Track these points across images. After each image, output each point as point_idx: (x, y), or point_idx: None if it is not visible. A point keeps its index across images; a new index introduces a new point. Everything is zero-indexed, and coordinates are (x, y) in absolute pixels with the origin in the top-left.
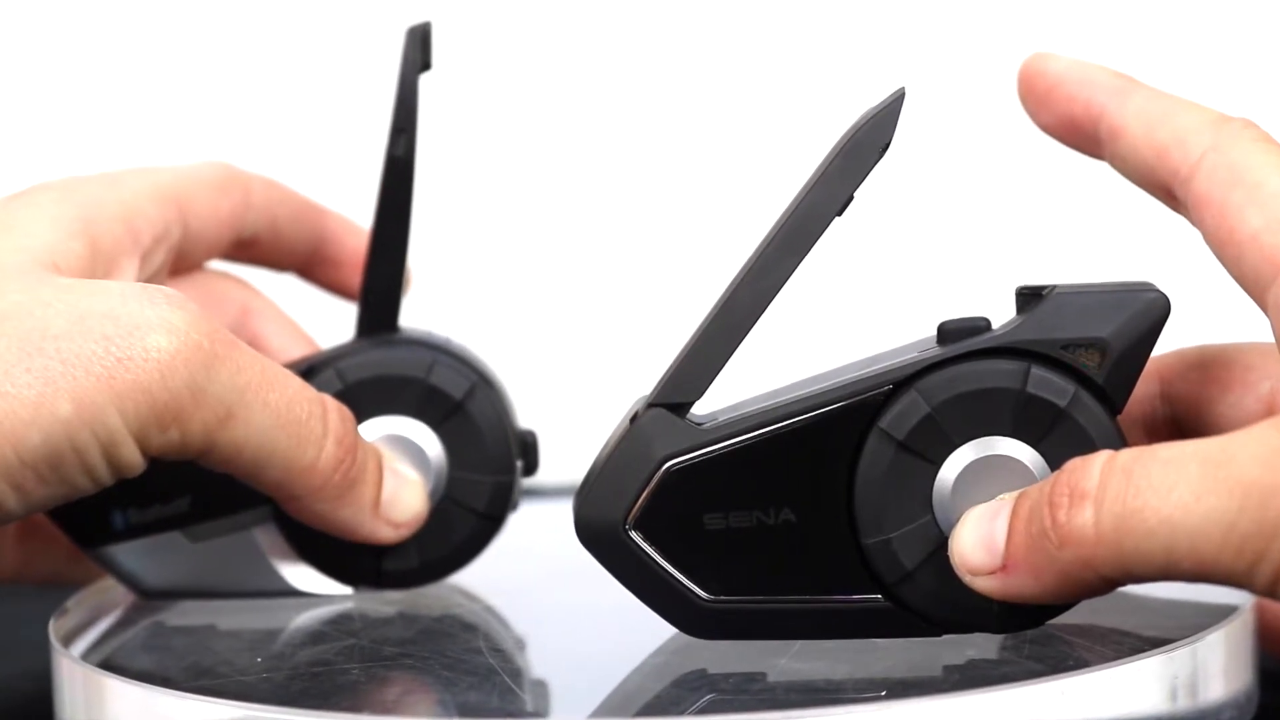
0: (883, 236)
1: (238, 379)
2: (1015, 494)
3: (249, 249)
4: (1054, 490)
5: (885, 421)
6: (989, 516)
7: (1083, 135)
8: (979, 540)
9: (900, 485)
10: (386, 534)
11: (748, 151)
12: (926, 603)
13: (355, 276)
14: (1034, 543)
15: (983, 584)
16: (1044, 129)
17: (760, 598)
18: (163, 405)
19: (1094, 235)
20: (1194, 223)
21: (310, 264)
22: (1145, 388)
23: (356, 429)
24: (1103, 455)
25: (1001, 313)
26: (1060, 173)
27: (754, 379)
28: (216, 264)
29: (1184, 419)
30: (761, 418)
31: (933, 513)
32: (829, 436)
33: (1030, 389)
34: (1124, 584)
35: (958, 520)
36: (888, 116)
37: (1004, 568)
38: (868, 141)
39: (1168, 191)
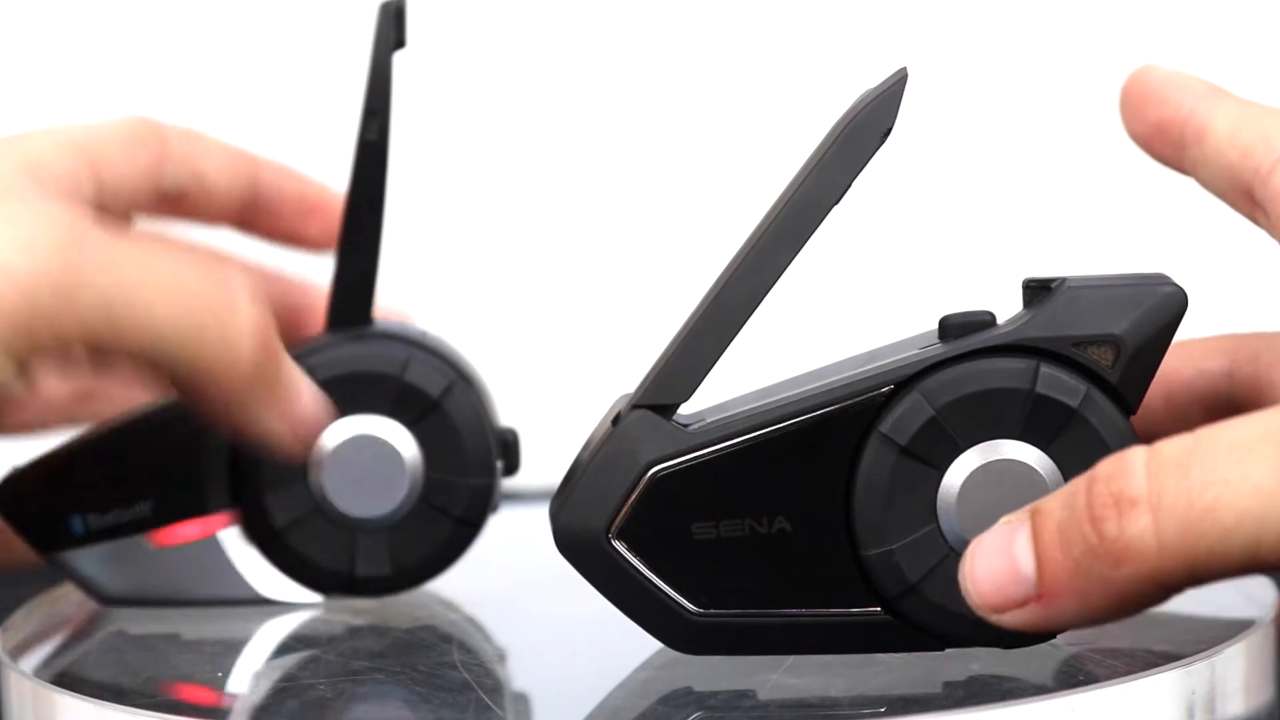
0: (879, 223)
1: (113, 276)
2: (1025, 512)
3: (177, 204)
4: (1093, 501)
5: (886, 425)
6: (1004, 543)
7: (1169, 141)
8: (999, 572)
9: (903, 493)
10: (295, 447)
11: (740, 136)
12: (930, 616)
13: (298, 224)
14: (1078, 565)
15: (1011, 619)
16: (1135, 138)
17: (753, 611)
18: (27, 321)
19: (1104, 223)
20: (1270, 223)
21: (247, 217)
22: (1215, 363)
23: (272, 320)
24: (1139, 452)
25: (1005, 305)
26: (1068, 155)
27: (742, 375)
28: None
29: (1247, 405)
30: (754, 420)
31: (937, 522)
32: (826, 440)
33: (1040, 389)
34: (1187, 589)
35: (964, 531)
36: (889, 99)
37: (1040, 597)
38: (868, 126)
39: (1248, 194)
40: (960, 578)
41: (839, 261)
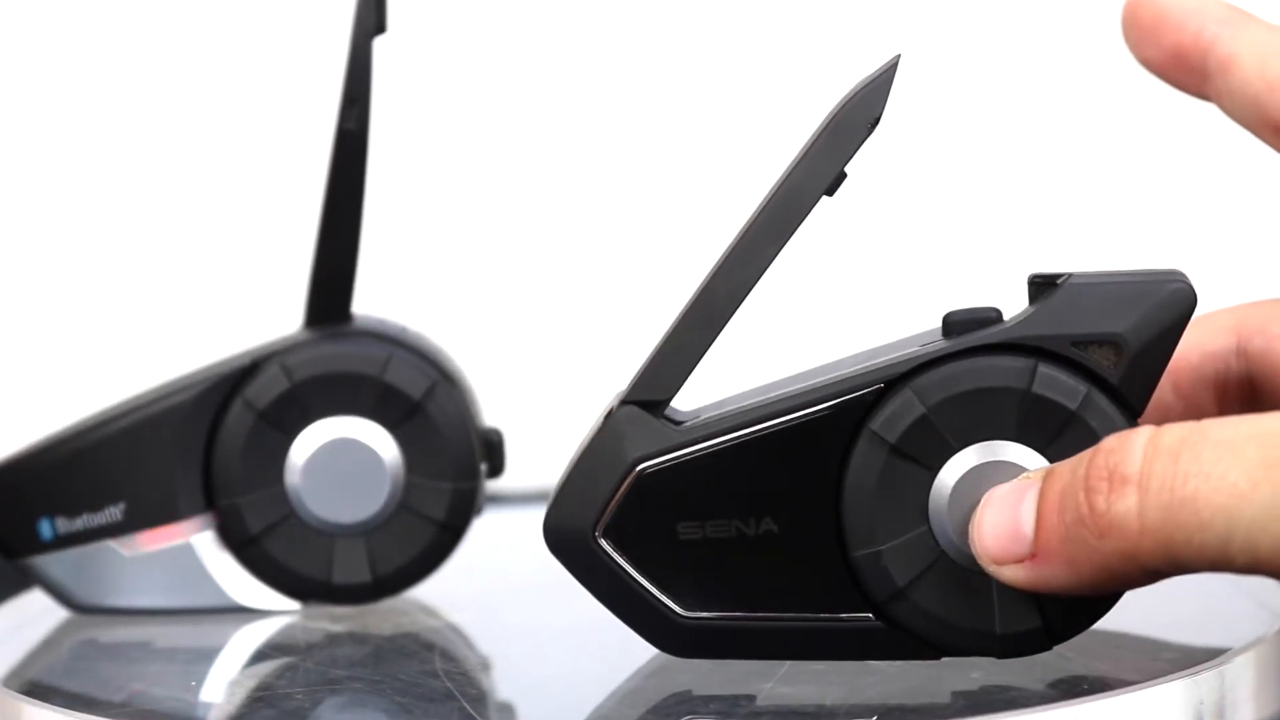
0: (886, 218)
1: None
2: (1041, 471)
3: None
4: (1090, 473)
5: (876, 423)
6: (1014, 499)
7: (1189, 69)
8: (1003, 526)
9: (893, 493)
10: None
11: (732, 128)
12: (922, 623)
13: None
14: (1069, 531)
15: (1009, 574)
16: (1146, 63)
17: (740, 614)
18: None
19: (1121, 216)
20: None
21: None
22: (1220, 342)
23: None
24: (1144, 433)
25: (1018, 303)
26: (1084, 145)
27: (746, 375)
28: None
29: (1261, 379)
30: (742, 418)
31: (929, 523)
32: (815, 439)
33: (1036, 389)
34: (1170, 576)
35: (956, 535)
36: (879, 87)
37: (1034, 556)
38: (856, 115)
39: (1276, 127)
40: (970, 524)
41: (845, 256)
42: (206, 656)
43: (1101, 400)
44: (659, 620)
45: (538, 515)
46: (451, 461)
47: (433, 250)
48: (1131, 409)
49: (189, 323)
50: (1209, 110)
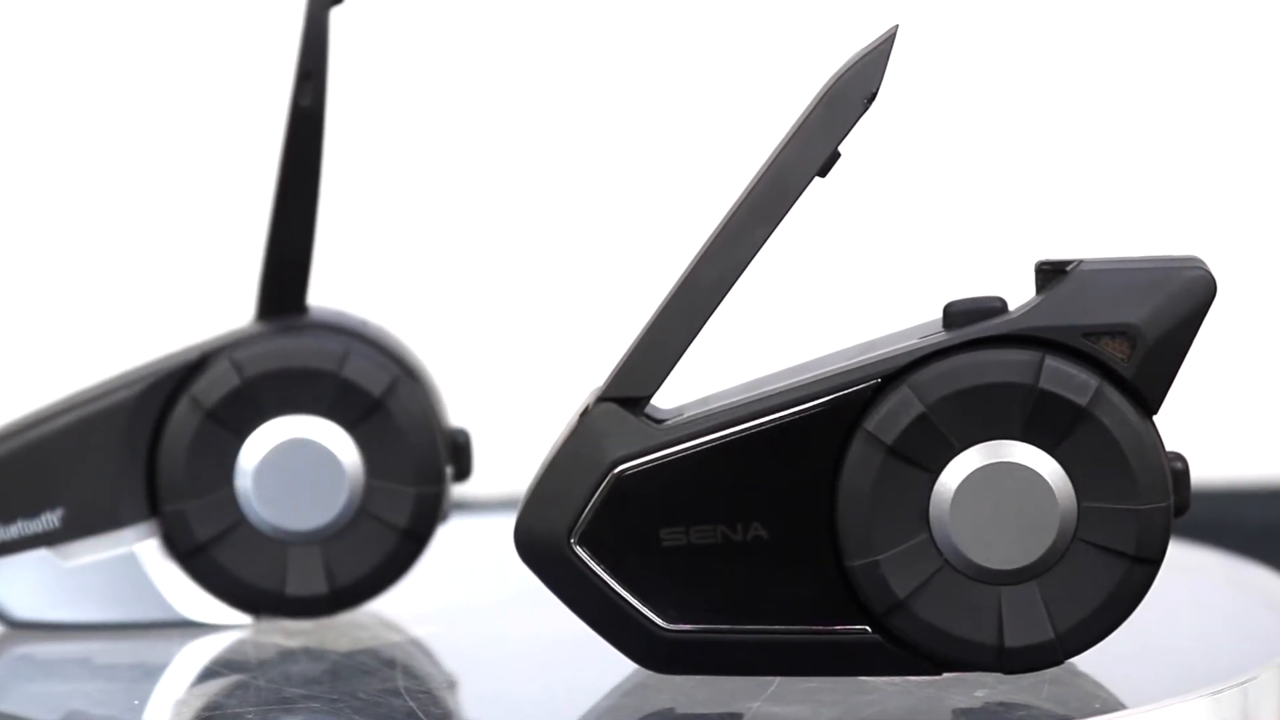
0: (883, 201)
1: None
2: None
3: None
4: None
5: (872, 422)
6: None
7: None
8: None
9: (891, 497)
10: None
11: (717, 104)
12: (923, 636)
13: None
14: None
15: None
16: None
17: (727, 627)
18: None
19: (1136, 200)
20: None
21: None
22: None
23: None
24: None
25: (1024, 292)
26: (1097, 125)
27: (732, 370)
28: None
29: None
30: (728, 416)
31: (930, 530)
32: (807, 439)
33: (1044, 384)
34: None
35: (960, 542)
36: (875, 60)
37: None
38: (850, 90)
39: None
40: None
41: (841, 242)
42: (151, 674)
43: (1114, 395)
44: (639, 633)
45: (508, 521)
46: (414, 464)
47: (394, 237)
48: (1146, 405)
49: (132, 315)
50: (1227, 92)
